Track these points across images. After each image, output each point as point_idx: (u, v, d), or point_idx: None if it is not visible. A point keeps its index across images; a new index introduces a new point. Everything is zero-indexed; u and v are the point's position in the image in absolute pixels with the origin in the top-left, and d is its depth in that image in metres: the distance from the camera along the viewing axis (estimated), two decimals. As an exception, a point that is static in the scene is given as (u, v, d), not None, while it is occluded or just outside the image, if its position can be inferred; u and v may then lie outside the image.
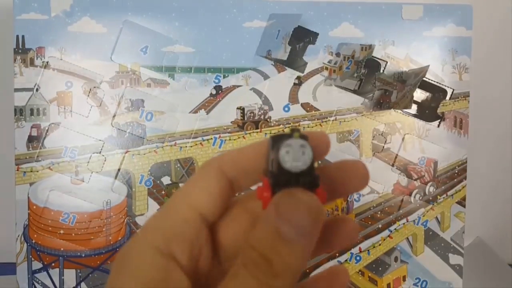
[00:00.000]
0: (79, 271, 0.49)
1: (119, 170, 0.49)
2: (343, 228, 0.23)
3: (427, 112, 0.52)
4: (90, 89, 0.50)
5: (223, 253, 0.23)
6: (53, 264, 0.49)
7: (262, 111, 0.51)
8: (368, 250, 0.52)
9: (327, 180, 0.21)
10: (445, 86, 0.52)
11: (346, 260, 0.52)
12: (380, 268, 0.52)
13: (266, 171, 0.21)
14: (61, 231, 0.49)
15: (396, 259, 0.52)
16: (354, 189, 0.23)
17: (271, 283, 0.18)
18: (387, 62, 0.52)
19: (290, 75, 0.51)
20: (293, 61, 0.51)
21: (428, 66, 0.51)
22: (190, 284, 0.21)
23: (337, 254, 0.52)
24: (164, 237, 0.21)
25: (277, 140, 0.20)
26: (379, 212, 0.52)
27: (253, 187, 0.22)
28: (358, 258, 0.52)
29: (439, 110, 0.52)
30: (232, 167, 0.22)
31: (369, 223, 0.52)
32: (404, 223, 0.52)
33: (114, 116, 0.50)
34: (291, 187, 0.19)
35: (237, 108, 0.51)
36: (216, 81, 0.50)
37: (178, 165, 0.50)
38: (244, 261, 0.19)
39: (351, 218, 0.23)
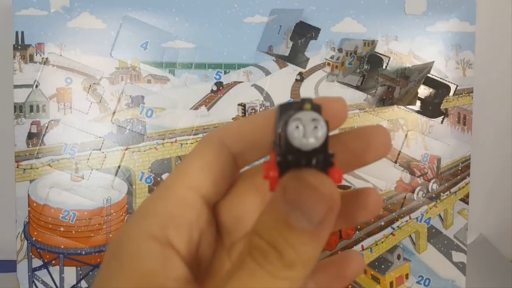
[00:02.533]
0: (79, 268, 0.49)
1: (119, 167, 0.49)
2: (365, 201, 0.20)
3: (431, 108, 0.52)
4: (90, 86, 0.49)
5: (228, 236, 0.21)
6: (53, 262, 0.49)
7: (263, 108, 0.51)
8: (371, 248, 0.52)
9: (342, 151, 0.19)
10: (449, 82, 0.52)
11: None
12: (382, 266, 0.52)
13: (274, 145, 0.18)
14: (61, 229, 0.49)
15: (398, 257, 0.52)
16: (375, 158, 0.20)
17: (282, 274, 0.16)
18: (390, 58, 0.51)
19: (292, 71, 0.51)
20: (295, 56, 0.51)
21: (433, 62, 0.51)
22: (189, 273, 0.19)
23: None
24: (160, 223, 0.19)
25: (285, 110, 0.17)
26: (381, 209, 0.52)
27: (261, 160, 0.20)
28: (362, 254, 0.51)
29: (442, 106, 0.52)
30: (236, 140, 0.20)
31: (372, 220, 0.52)
32: (407, 221, 0.52)
33: (114, 112, 0.49)
34: (301, 167, 0.17)
35: (238, 105, 0.50)
36: (217, 77, 0.50)
37: (179, 162, 0.50)
38: (251, 251, 0.17)
39: (375, 190, 0.21)
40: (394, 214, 0.52)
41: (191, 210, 0.20)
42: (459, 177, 0.52)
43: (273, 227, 0.16)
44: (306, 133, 0.16)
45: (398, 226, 0.52)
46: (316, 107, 0.17)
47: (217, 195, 0.21)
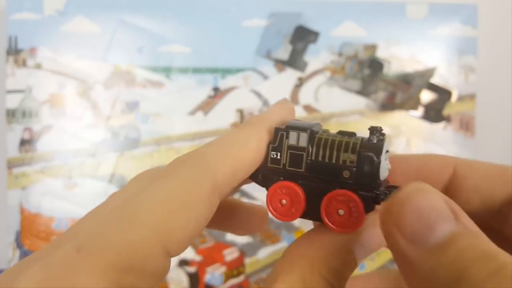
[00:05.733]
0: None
1: (113, 174, 0.48)
2: (255, 216, 0.21)
3: (432, 114, 0.51)
4: (84, 91, 0.49)
5: None
6: (45, 272, 0.48)
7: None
8: (373, 257, 0.51)
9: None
10: (451, 87, 0.51)
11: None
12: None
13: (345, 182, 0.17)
14: (54, 237, 0.47)
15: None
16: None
17: None
18: (391, 62, 0.51)
19: (291, 75, 0.50)
20: (294, 61, 0.50)
21: (435, 68, 0.50)
22: None
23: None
24: (119, 263, 0.14)
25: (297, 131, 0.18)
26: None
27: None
28: (362, 265, 0.51)
29: (444, 112, 0.51)
30: (230, 183, 0.17)
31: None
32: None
33: (108, 118, 0.49)
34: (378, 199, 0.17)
35: (236, 110, 0.50)
36: (215, 82, 0.49)
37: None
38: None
39: (266, 210, 0.20)
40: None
41: (155, 264, 0.15)
42: (462, 184, 0.52)
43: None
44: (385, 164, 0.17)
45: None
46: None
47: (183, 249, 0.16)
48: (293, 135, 0.18)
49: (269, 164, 0.18)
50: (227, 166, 0.17)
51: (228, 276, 0.48)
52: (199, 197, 0.16)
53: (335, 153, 0.17)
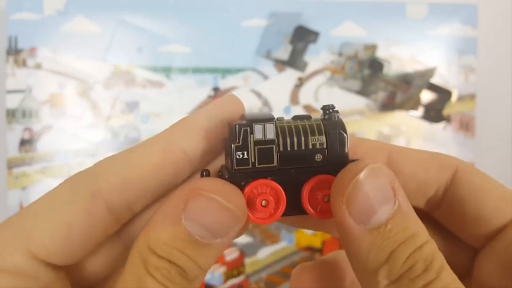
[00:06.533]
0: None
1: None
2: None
3: (432, 114, 0.51)
4: (84, 91, 0.48)
5: None
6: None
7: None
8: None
9: None
10: (451, 87, 0.51)
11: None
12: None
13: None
14: None
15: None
16: None
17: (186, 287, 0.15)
18: (391, 62, 0.51)
19: (291, 75, 0.50)
20: (294, 61, 0.50)
21: (435, 68, 0.50)
22: None
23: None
24: None
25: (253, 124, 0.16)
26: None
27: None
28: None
29: (444, 112, 0.51)
30: (118, 194, 0.16)
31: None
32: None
33: (108, 118, 0.48)
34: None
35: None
36: (215, 82, 0.49)
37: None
38: (149, 270, 0.15)
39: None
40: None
41: (28, 283, 0.15)
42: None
43: (171, 244, 0.15)
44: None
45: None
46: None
47: (76, 259, 0.16)
48: (258, 129, 0.16)
49: (235, 167, 0.16)
50: (113, 174, 0.16)
51: (228, 276, 0.48)
52: (70, 205, 0.16)
53: (303, 139, 0.16)
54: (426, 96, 0.51)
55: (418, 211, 0.16)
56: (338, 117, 0.17)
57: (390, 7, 0.50)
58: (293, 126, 0.16)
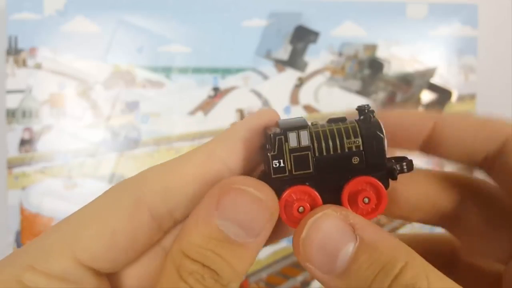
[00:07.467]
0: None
1: (113, 174, 0.48)
2: None
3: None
4: (84, 91, 0.48)
5: None
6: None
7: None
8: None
9: None
10: (451, 87, 0.51)
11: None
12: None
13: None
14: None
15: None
16: None
17: None
18: (391, 62, 0.51)
19: (291, 75, 0.50)
20: (294, 61, 0.50)
21: (435, 68, 0.50)
22: None
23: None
24: (22, 262, 0.15)
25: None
26: (384, 216, 0.51)
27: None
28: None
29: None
30: (160, 201, 0.16)
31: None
32: (410, 228, 0.51)
33: (108, 118, 0.49)
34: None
35: (236, 110, 0.49)
36: (215, 82, 0.49)
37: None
38: (183, 275, 0.15)
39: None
40: (396, 221, 0.51)
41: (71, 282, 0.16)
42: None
43: (204, 246, 0.15)
44: None
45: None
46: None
47: (120, 266, 0.17)
48: (292, 137, 0.16)
49: (273, 176, 0.16)
50: (156, 182, 0.16)
51: (228, 276, 0.48)
52: (114, 211, 0.16)
53: (338, 142, 0.16)
54: (426, 96, 0.51)
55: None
56: (374, 117, 0.17)
57: (390, 7, 0.50)
58: (327, 130, 0.17)
